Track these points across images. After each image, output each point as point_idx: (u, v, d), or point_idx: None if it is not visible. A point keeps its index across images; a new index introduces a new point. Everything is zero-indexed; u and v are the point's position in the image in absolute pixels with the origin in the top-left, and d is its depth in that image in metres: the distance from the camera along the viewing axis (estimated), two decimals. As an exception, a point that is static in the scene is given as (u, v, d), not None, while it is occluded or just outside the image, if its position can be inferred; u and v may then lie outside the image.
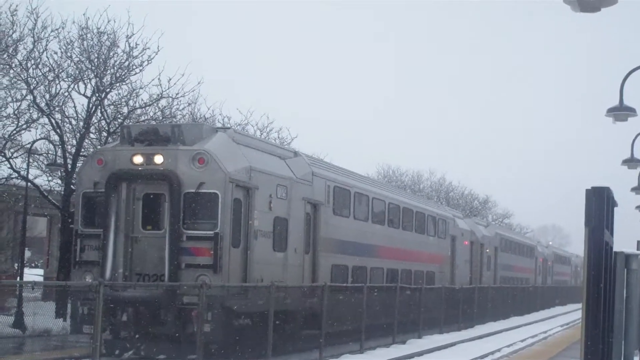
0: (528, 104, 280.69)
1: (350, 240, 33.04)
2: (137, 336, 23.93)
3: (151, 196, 24.88)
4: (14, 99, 36.37)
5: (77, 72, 37.35)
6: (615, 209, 10.60)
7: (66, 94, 37.45)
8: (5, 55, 35.60)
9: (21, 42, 36.35)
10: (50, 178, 39.96)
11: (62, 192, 37.55)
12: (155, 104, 39.66)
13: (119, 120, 38.00)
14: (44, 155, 39.43)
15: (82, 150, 36.95)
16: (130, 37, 37.66)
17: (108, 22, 37.64)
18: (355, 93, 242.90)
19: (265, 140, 35.77)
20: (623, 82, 21.77)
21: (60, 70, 37.13)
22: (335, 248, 31.61)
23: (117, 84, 38.23)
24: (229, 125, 41.26)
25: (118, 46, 37.94)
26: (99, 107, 37.87)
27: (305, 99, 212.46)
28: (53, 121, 37.09)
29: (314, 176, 29.82)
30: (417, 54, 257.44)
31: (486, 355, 31.87)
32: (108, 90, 37.96)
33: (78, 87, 37.53)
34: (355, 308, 30.93)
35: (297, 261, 28.40)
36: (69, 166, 36.57)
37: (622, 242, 16.85)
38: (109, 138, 36.92)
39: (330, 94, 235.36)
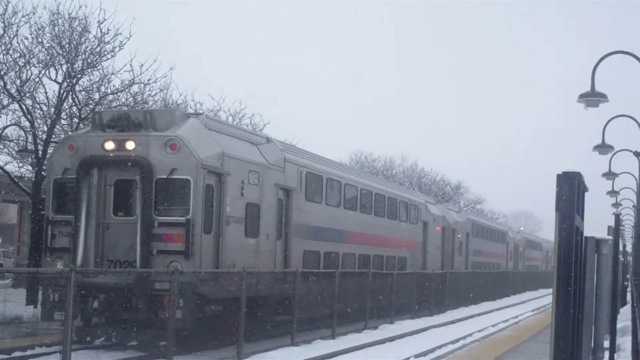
0: (500, 91, 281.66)
1: (323, 226, 33.07)
2: (108, 323, 23.85)
3: (123, 182, 24.80)
4: (-16, 85, 36.12)
5: (48, 58, 37.13)
6: (587, 194, 10.63)
7: (37, 79, 37.25)
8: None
9: (-9, 28, 36.08)
10: (20, 164, 39.75)
11: (33, 179, 37.33)
12: (127, 90, 39.50)
13: (91, 106, 37.79)
14: (15, 141, 39.22)
15: (53, 136, 36.74)
16: (102, 23, 37.51)
17: (79, 7, 37.48)
18: (331, 79, 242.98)
19: (238, 127, 35.69)
20: (594, 68, 21.87)
21: (31, 56, 36.92)
22: (308, 234, 31.64)
23: (89, 70, 38.03)
24: (201, 111, 41.15)
25: (89, 32, 37.77)
26: (70, 93, 37.65)
27: (281, 91, 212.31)
28: (24, 107, 36.86)
29: (286, 162, 29.80)
30: (387, 40, 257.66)
31: (457, 340, 31.99)
32: (79, 76, 37.74)
33: (49, 72, 37.36)
34: (327, 294, 30.99)
35: (269, 247, 28.40)
36: (40, 152, 36.36)
37: (593, 227, 16.96)
38: (80, 124, 36.73)
39: (304, 81, 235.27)
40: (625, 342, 25.49)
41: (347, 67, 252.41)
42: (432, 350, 28.39)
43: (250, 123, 49.67)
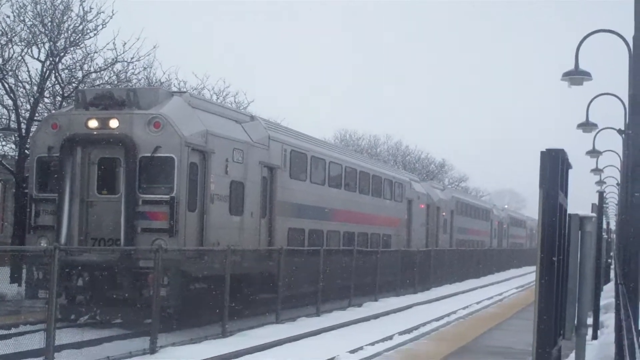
0: (485, 68, 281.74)
1: (307, 204, 33.07)
2: (93, 301, 23.83)
3: (106, 160, 24.77)
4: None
5: (31, 36, 36.91)
6: (571, 172, 10.66)
7: (19, 58, 37.02)
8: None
9: (-28, 6, 35.85)
10: (4, 143, 39.55)
11: (16, 157, 37.17)
12: (110, 68, 39.34)
13: (74, 85, 37.64)
14: (-3, 120, 39.00)
15: (36, 114, 36.56)
16: (84, 1, 37.31)
17: (62, -15, 37.20)
18: (313, 60, 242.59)
19: (222, 104, 35.60)
20: (578, 46, 21.87)
21: (13, 34, 36.68)
22: (292, 212, 31.64)
23: (72, 48, 37.86)
24: (185, 90, 41.05)
25: (72, 10, 37.55)
26: (53, 72, 37.46)
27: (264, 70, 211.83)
28: (6, 86, 36.64)
29: (271, 140, 29.76)
30: (372, 22, 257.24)
31: (442, 318, 32.12)
32: (62, 54, 37.56)
33: (31, 51, 37.14)
34: (311, 271, 31.03)
35: (254, 225, 28.39)
36: (23, 131, 36.18)
37: (577, 205, 16.99)
38: (64, 102, 36.56)
39: (288, 58, 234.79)
40: (608, 319, 25.64)
41: (332, 46, 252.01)
42: (416, 328, 28.50)
43: (235, 101, 49.58)
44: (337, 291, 34.06)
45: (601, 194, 33.99)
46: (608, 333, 22.33)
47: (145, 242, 23.60)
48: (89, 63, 38.63)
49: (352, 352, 21.92)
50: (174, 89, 41.26)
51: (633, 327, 10.86)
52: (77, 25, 37.51)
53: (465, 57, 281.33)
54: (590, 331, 22.08)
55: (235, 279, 25.24)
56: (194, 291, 24.39)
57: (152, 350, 20.40)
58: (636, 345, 8.54)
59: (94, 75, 39.02)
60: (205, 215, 25.07)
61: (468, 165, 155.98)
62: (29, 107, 37.10)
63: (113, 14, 37.59)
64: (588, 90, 26.54)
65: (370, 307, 35.21)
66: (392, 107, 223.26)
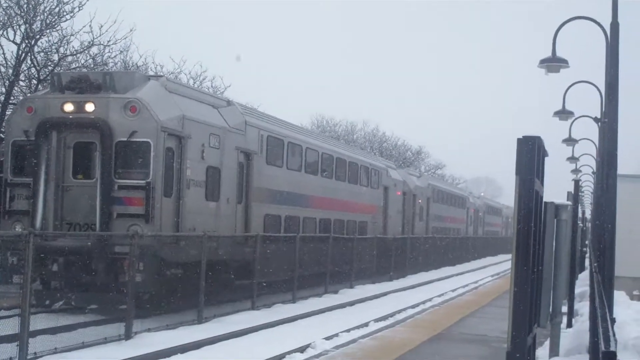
0: (463, 55, 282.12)
1: (283, 190, 33.02)
2: (68, 286, 23.69)
3: (82, 145, 24.62)
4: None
5: (6, 19, 36.60)
6: (547, 160, 10.66)
7: (-5, 40, 36.73)
8: None
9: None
10: (-22, 126, 39.29)
11: (-9, 141, 36.92)
12: (86, 52, 39.12)
13: (50, 68, 37.42)
14: (-28, 103, 38.72)
15: (12, 98, 36.33)
16: (61, -17, 37.00)
17: (37, -33, 36.92)
18: (292, 44, 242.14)
19: (198, 89, 35.43)
20: (556, 33, 21.87)
21: (-12, 17, 36.38)
22: (268, 198, 31.57)
23: (47, 31, 37.60)
24: (161, 74, 40.85)
25: (48, -9, 37.25)
26: (29, 54, 37.20)
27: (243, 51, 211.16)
28: (-19, 68, 36.39)
29: (248, 125, 29.66)
30: (348, 7, 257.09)
31: (417, 305, 32.18)
32: (38, 37, 37.30)
33: (7, 33, 36.84)
34: (287, 258, 31.01)
35: (230, 211, 28.32)
36: (-2, 114, 35.96)
37: (553, 194, 17.02)
38: (39, 86, 36.34)
39: (266, 45, 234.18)
40: (583, 307, 25.74)
41: (309, 34, 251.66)
42: (392, 315, 28.55)
43: (211, 86, 49.41)
44: (313, 278, 34.07)
45: (577, 182, 34.10)
46: (583, 321, 22.40)
47: (120, 227, 23.50)
48: (65, 46, 38.44)
49: (328, 338, 21.94)
50: (151, 73, 41.08)
51: (608, 315, 10.88)
52: (53, 7, 37.27)
53: (443, 45, 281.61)
54: (565, 319, 22.17)
55: (211, 265, 25.17)
56: (170, 277, 24.31)
57: (128, 336, 20.34)
58: (611, 333, 8.55)
59: (70, 58, 38.83)
60: (181, 200, 24.98)
61: (445, 153, 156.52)
62: (4, 90, 36.86)
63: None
64: (565, 78, 26.60)
65: (346, 294, 35.25)
66: (369, 94, 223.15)
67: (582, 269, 43.18)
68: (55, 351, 18.11)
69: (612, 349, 7.18)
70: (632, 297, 32.01)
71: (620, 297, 27.74)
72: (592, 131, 36.07)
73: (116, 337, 20.11)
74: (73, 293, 23.64)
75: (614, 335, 9.07)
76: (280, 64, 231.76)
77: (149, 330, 21.39)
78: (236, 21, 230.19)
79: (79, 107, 24.33)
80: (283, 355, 19.13)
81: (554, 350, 17.48)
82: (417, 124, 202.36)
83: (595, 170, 42.05)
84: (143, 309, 22.47)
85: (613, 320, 16.84)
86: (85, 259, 23.18)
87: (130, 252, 21.25)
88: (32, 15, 36.69)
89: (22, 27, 36.72)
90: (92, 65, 38.81)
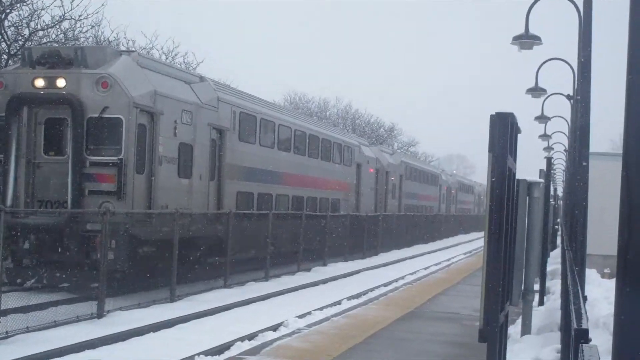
0: (436, 33, 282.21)
1: (256, 167, 32.94)
2: (39, 264, 23.57)
3: (53, 121, 24.45)
4: None
5: (-25, -7, 36.29)
6: (519, 138, 10.64)
7: (-36, 15, 36.39)
8: None
9: None
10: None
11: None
12: (57, 26, 38.83)
13: (20, 43, 37.10)
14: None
15: (-18, 73, 35.99)
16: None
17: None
18: (266, 20, 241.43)
19: (171, 65, 35.25)
20: (529, 10, 21.82)
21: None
22: (241, 175, 31.48)
23: (17, 5, 37.27)
24: (133, 49, 40.61)
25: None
26: (-1, 29, 36.89)
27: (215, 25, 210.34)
28: (-49, 43, 36.05)
29: (220, 102, 29.54)
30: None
31: (390, 283, 32.24)
32: (8, 10, 36.96)
33: (-24, 8, 36.51)
34: (260, 236, 30.98)
35: (202, 188, 28.23)
36: (-32, 90, 35.61)
37: (525, 171, 17.02)
38: (10, 61, 36.03)
39: (238, 20, 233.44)
40: (554, 285, 25.87)
41: (284, 10, 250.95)
42: (364, 293, 28.59)
43: (184, 61, 49.23)
44: (286, 256, 34.07)
45: (549, 160, 34.24)
46: (554, 299, 22.51)
47: (92, 204, 23.38)
48: (36, 20, 38.13)
49: (301, 316, 21.94)
50: (123, 48, 40.83)
51: (579, 293, 10.90)
52: (23, -19, 36.94)
53: (415, 22, 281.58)
54: (536, 297, 22.26)
55: (184, 242, 25.12)
56: (142, 255, 24.23)
57: (100, 315, 20.27)
58: (583, 311, 8.55)
59: (41, 33, 38.56)
60: (153, 177, 24.87)
61: (417, 130, 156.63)
62: (-26, 65, 36.55)
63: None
64: (538, 56, 26.59)
65: (319, 272, 35.27)
66: (342, 71, 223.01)
67: (554, 246, 43.35)
68: (27, 330, 18.00)
69: (584, 326, 7.17)
70: (603, 275, 32.16)
71: (591, 275, 27.87)
72: (564, 109, 36.13)
73: (88, 316, 20.03)
74: (45, 271, 23.50)
75: (585, 313, 9.08)
76: (253, 40, 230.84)
77: (121, 308, 21.32)
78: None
79: (50, 82, 24.13)
80: (255, 334, 19.10)
81: (526, 328, 17.55)
82: (390, 101, 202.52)
83: (567, 148, 42.19)
84: (115, 287, 22.36)
85: (585, 298, 16.91)
86: (57, 237, 23.07)
87: (102, 230, 21.14)
88: (2, -11, 36.36)
89: (-8, 2, 36.41)
90: (63, 40, 38.55)
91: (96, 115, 23.80)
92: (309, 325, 19.75)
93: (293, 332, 18.51)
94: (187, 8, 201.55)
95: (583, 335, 6.52)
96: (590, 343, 6.73)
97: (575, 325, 7.34)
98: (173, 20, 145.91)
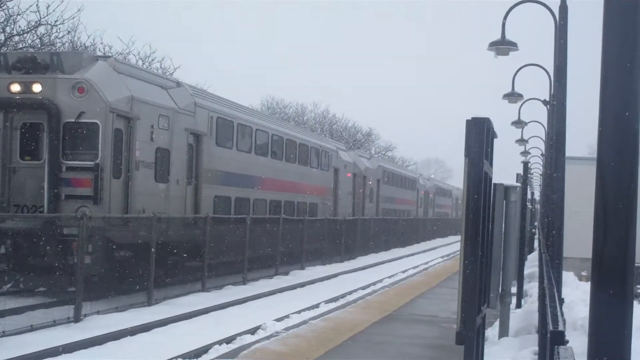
0: (413, 38, 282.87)
1: (233, 172, 32.92)
2: (16, 269, 23.48)
3: (29, 126, 24.37)
4: None
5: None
6: (496, 142, 10.70)
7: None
8: None
9: None
10: None
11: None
12: (33, 31, 38.68)
13: (-4, 48, 36.94)
14: None
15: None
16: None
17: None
18: (243, 27, 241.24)
19: (148, 70, 35.20)
20: (505, 16, 21.94)
21: None
22: (218, 179, 31.46)
23: (-7, 10, 37.11)
24: (110, 54, 40.52)
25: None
26: (-25, 34, 36.74)
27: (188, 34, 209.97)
28: None
29: (197, 107, 29.52)
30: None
31: (368, 286, 32.28)
32: (-17, 16, 36.81)
33: (-48, 12, 36.34)
34: (238, 240, 30.96)
35: (180, 192, 28.20)
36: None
37: (502, 176, 17.10)
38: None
39: (218, 27, 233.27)
40: (532, 288, 25.98)
41: (261, 16, 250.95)
42: (342, 296, 28.62)
43: (161, 67, 49.13)
44: (264, 259, 34.07)
45: (526, 164, 34.40)
46: (532, 302, 22.60)
47: (69, 209, 23.33)
48: (12, 25, 37.95)
49: (279, 320, 21.95)
50: (99, 53, 40.73)
51: (556, 295, 10.97)
52: (-1, -14, 36.79)
53: (392, 26, 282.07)
54: (514, 300, 22.35)
55: (162, 247, 25.08)
56: (119, 259, 24.17)
57: (77, 319, 20.21)
58: (559, 313, 8.61)
59: (16, 38, 38.37)
60: (130, 182, 24.84)
61: (395, 135, 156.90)
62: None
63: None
64: (515, 61, 26.71)
65: (297, 276, 35.28)
66: (320, 76, 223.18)
67: (532, 250, 43.57)
68: (3, 334, 17.95)
69: (560, 328, 7.23)
70: (580, 278, 32.34)
71: (568, 277, 28.00)
72: (541, 114, 36.30)
73: (65, 320, 19.97)
74: (21, 275, 23.42)
75: (562, 315, 9.14)
76: (232, 45, 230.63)
77: (98, 312, 21.26)
78: (191, 3, 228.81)
79: (26, 87, 24.06)
80: (233, 337, 19.10)
81: (504, 331, 17.62)
82: (368, 106, 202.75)
83: (544, 153, 42.38)
84: (92, 291, 22.30)
85: (562, 301, 17.00)
86: (34, 241, 22.98)
87: (79, 234, 21.09)
88: (-23, -6, 36.22)
89: (-33, 6, 36.25)
90: (39, 45, 38.41)
91: (72, 120, 23.74)
92: (287, 329, 19.76)
93: (271, 336, 18.51)
94: (164, 14, 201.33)
95: (559, 337, 6.57)
96: (568, 345, 6.79)
97: (551, 327, 7.40)
98: (150, 22, 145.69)
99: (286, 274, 35.40)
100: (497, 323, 18.64)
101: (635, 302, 4.22)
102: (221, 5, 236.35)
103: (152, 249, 24.26)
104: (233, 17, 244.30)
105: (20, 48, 37.30)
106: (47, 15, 38.10)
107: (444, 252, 61.24)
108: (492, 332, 18.56)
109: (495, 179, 12.58)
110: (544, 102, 30.10)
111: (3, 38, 37.58)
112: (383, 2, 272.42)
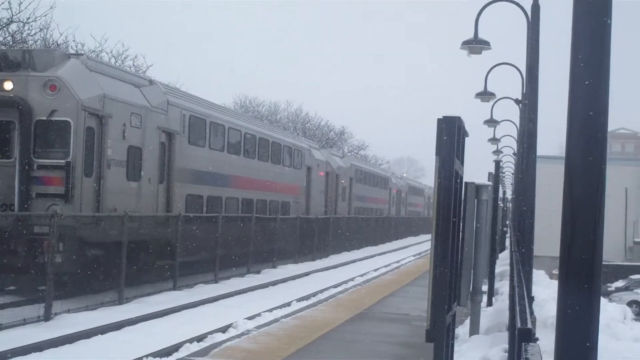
0: (386, 37, 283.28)
1: (206, 170, 32.86)
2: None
3: (0, 123, 24.21)
4: None
5: None
6: (468, 141, 10.74)
7: None
8: None
9: None
10: None
11: None
12: (5, 29, 38.45)
13: (-33, 45, 36.73)
14: None
15: None
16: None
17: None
18: (215, 22, 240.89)
19: (120, 68, 35.06)
20: (478, 15, 22.00)
21: None
22: (190, 178, 31.40)
23: (-36, 7, 36.90)
24: (82, 52, 40.35)
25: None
26: (-54, 31, 36.51)
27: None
28: None
29: (170, 105, 29.45)
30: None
31: (339, 285, 32.35)
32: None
33: None
34: (210, 238, 30.93)
35: (152, 191, 28.13)
36: None
37: (475, 175, 17.17)
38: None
39: (191, 23, 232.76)
40: (503, 286, 26.09)
41: (232, 14, 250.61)
42: (314, 294, 28.66)
43: (134, 65, 48.95)
44: (236, 258, 34.03)
45: (497, 163, 34.48)
46: (503, 300, 22.72)
47: (40, 207, 23.22)
48: (-17, 23, 37.73)
49: (250, 318, 21.96)
50: (71, 51, 40.54)
51: (525, 293, 11.03)
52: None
53: (366, 25, 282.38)
54: (485, 298, 22.44)
55: (133, 245, 25.03)
56: (91, 257, 24.08)
57: (47, 317, 20.15)
58: (528, 311, 8.66)
59: (-13, 36, 38.15)
60: (102, 180, 24.75)
61: (368, 134, 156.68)
62: None
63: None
64: (488, 60, 26.80)
65: (269, 274, 35.29)
66: (292, 75, 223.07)
67: (503, 248, 43.72)
68: (-28, 333, 17.86)
69: (528, 326, 7.27)
70: (551, 276, 32.53)
71: (540, 276, 28.17)
72: (513, 112, 36.45)
73: (35, 319, 19.89)
74: (-9, 274, 23.27)
75: (531, 313, 9.19)
76: (205, 43, 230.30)
77: (69, 311, 21.20)
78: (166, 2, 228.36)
79: (-3, 85, 23.92)
80: (204, 335, 19.09)
81: (475, 328, 17.70)
82: (341, 105, 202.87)
83: (515, 151, 42.53)
84: (63, 289, 22.24)
85: (532, 299, 17.09)
86: (4, 240, 22.84)
87: (50, 233, 21.00)
88: (-52, -9, 35.99)
89: (-62, 3, 36.01)
90: (10, 43, 38.20)
91: (44, 118, 23.63)
92: (258, 327, 19.76)
93: (242, 334, 18.51)
94: (136, 12, 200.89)
95: (527, 334, 6.61)
96: (538, 342, 6.84)
97: (519, 325, 7.44)
98: (122, 21, 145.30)
99: (258, 272, 35.40)
100: (468, 321, 18.73)
101: (602, 299, 4.26)
102: (197, 3, 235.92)
103: (124, 248, 24.19)
104: (208, 16, 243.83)
105: (-9, 45, 37.10)
106: (19, 12, 37.93)
107: (416, 250, 61.42)
108: (463, 330, 18.65)
109: (468, 178, 12.64)
110: (516, 101, 30.21)
111: (-26, 35, 37.39)
112: (357, 2, 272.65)
